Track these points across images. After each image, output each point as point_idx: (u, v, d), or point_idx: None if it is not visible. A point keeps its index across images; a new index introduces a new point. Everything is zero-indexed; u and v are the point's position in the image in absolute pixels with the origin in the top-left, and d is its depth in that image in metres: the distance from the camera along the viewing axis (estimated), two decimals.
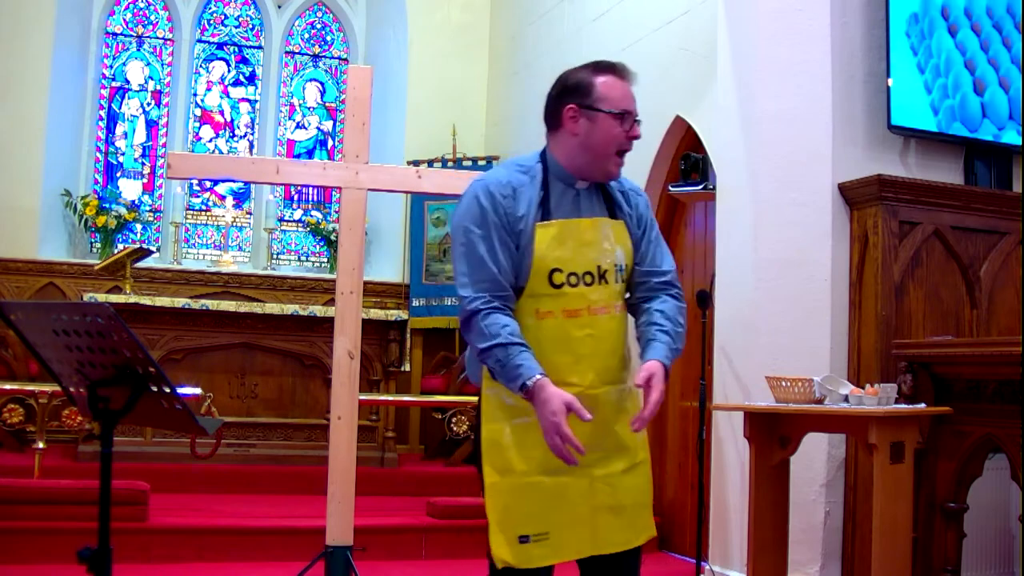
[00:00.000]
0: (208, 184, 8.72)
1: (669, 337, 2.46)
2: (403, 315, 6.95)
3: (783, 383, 4.04)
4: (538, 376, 2.24)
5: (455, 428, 7.22)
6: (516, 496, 2.36)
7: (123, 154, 8.58)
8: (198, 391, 5.88)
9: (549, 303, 2.37)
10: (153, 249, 7.60)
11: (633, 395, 2.48)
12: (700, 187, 5.38)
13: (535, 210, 2.40)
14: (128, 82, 8.63)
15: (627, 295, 2.53)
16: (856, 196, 4.67)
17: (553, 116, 2.50)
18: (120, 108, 8.60)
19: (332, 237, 8.50)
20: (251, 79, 8.98)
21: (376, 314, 6.75)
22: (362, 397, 4.69)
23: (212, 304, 6.62)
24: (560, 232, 2.38)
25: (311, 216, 8.84)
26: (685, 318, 2.54)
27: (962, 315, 4.73)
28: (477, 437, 2.48)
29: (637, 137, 2.46)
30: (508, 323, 2.31)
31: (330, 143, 9.03)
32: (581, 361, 2.38)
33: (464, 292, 2.36)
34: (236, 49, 8.97)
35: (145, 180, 8.62)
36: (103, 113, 8.54)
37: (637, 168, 5.92)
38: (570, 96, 2.44)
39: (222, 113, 8.89)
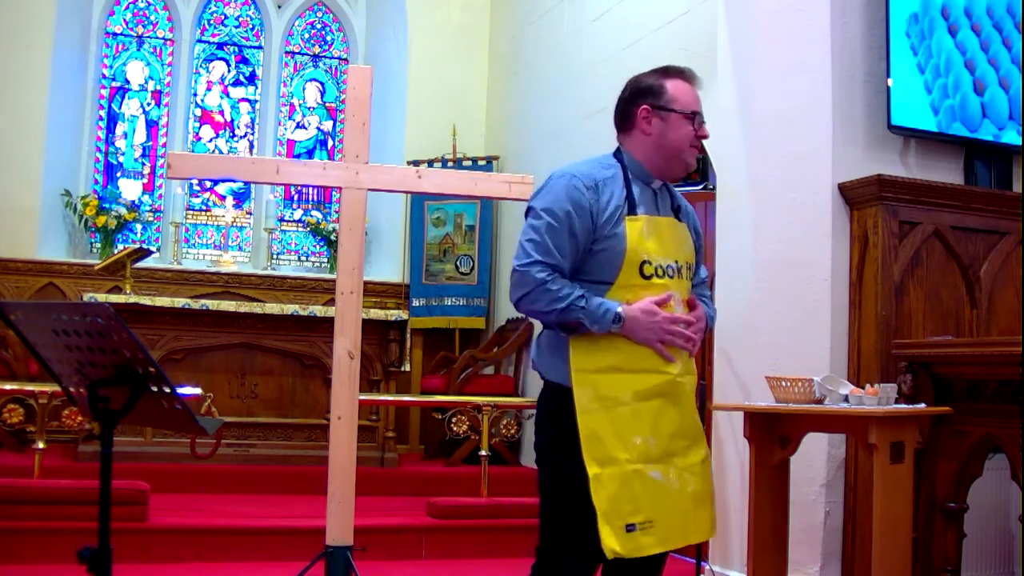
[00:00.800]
0: (208, 184, 8.72)
1: (710, 311, 2.66)
2: (403, 315, 6.95)
3: (783, 383, 4.04)
4: (619, 307, 2.41)
5: (455, 428, 7.22)
6: (621, 485, 2.42)
7: (123, 154, 8.58)
8: (198, 391, 5.88)
9: (640, 293, 2.47)
10: (153, 249, 7.60)
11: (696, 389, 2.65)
12: (700, 187, 5.38)
13: (622, 204, 2.50)
14: (128, 82, 8.63)
15: None
16: (856, 196, 4.67)
17: (625, 117, 2.62)
18: (120, 108, 8.60)
19: (332, 237, 8.50)
20: (251, 79, 8.98)
21: (376, 314, 6.75)
22: (362, 397, 4.68)
23: (212, 304, 6.62)
24: (647, 226, 2.49)
25: (311, 216, 8.84)
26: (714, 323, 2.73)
27: (962, 315, 4.73)
28: (550, 432, 2.54)
29: (706, 136, 2.61)
30: (571, 284, 2.44)
31: (330, 143, 9.03)
32: (672, 350, 2.49)
33: (526, 266, 2.45)
34: (236, 49, 8.97)
35: (145, 180, 8.62)
36: (103, 113, 8.54)
37: None
38: (643, 98, 2.58)
39: (222, 113, 8.90)
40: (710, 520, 2.59)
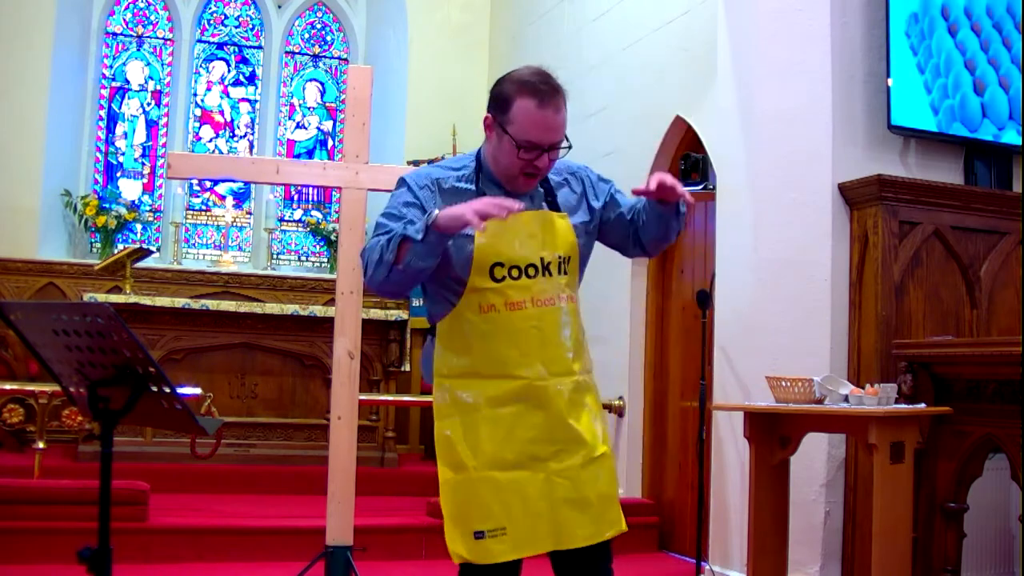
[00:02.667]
0: (208, 184, 8.72)
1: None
2: (403, 315, 6.94)
3: (783, 383, 4.04)
4: (430, 216, 2.23)
5: None
6: (469, 492, 2.37)
7: (123, 154, 8.58)
8: (198, 391, 5.88)
9: (492, 297, 2.37)
10: (153, 249, 7.60)
11: (591, 388, 2.49)
12: (700, 187, 5.37)
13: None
14: (128, 82, 8.63)
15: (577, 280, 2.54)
16: (856, 196, 4.67)
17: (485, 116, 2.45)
18: (120, 108, 8.60)
19: (332, 237, 8.49)
20: (251, 79, 8.98)
21: (376, 314, 6.75)
22: (362, 397, 4.68)
23: (212, 304, 6.62)
24: (500, 226, 2.33)
25: (311, 216, 8.84)
26: None
27: (962, 315, 4.73)
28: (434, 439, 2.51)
29: (539, 169, 2.38)
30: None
31: (330, 143, 9.02)
32: (528, 354, 2.37)
33: (366, 247, 2.36)
34: (236, 49, 8.97)
35: (145, 180, 8.62)
36: (103, 113, 8.54)
37: (637, 168, 5.92)
38: (492, 104, 2.41)
39: (222, 113, 8.89)
40: (601, 521, 2.41)
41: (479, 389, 2.38)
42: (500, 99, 2.38)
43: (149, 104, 8.68)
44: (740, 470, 4.70)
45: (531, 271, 2.39)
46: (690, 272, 5.83)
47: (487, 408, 2.37)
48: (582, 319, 2.53)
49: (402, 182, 2.45)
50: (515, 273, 2.37)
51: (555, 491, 2.37)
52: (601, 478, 2.42)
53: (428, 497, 5.74)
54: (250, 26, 9.02)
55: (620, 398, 6.04)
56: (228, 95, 8.92)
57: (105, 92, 8.56)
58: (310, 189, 8.87)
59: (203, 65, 8.88)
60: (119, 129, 8.58)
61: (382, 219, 2.39)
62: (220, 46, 8.93)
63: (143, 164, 8.62)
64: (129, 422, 2.26)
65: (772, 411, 4.08)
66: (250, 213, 8.83)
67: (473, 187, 2.43)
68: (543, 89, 2.34)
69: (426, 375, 2.54)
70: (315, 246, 8.89)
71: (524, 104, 2.33)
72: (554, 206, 2.48)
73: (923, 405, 4.06)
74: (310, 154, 8.94)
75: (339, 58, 9.18)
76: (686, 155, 5.46)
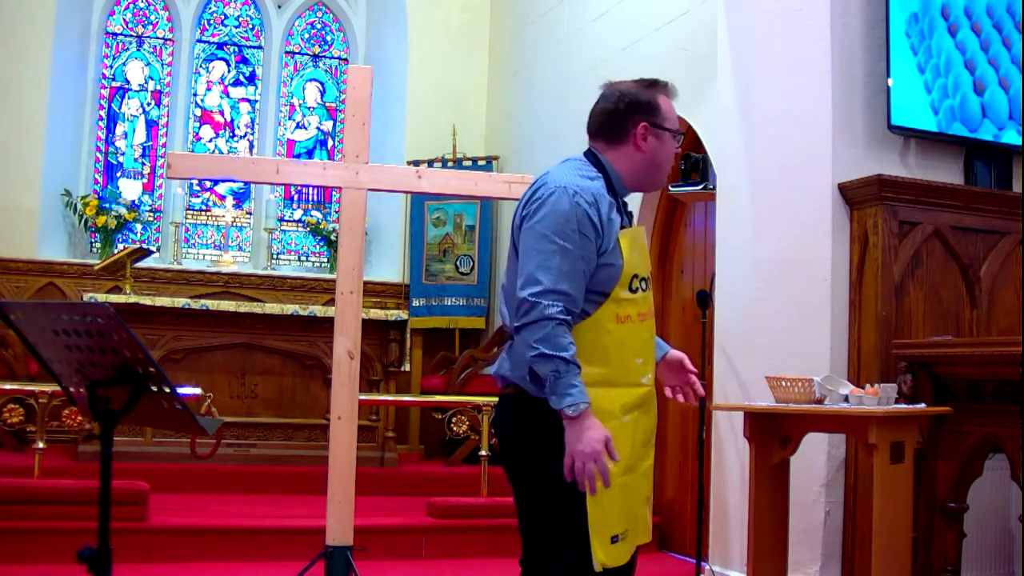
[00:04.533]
0: (208, 184, 8.71)
1: None
2: (403, 315, 6.94)
3: (783, 383, 4.04)
4: (586, 404, 2.30)
5: (455, 428, 7.22)
6: (610, 499, 2.41)
7: (123, 154, 8.58)
8: (198, 391, 5.88)
9: (629, 307, 2.45)
10: (153, 249, 7.60)
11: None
12: (700, 187, 5.38)
13: (615, 218, 2.46)
14: (128, 82, 8.63)
15: None
16: (856, 196, 4.67)
17: (619, 130, 2.53)
18: (120, 108, 8.60)
19: (332, 237, 8.49)
20: (251, 79, 8.98)
21: (376, 314, 6.75)
22: (362, 397, 4.68)
23: (212, 304, 6.62)
24: (633, 239, 2.47)
25: (311, 216, 8.84)
26: None
27: (962, 315, 4.73)
28: (522, 441, 2.48)
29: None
30: (573, 343, 2.33)
31: (330, 143, 9.02)
32: (647, 362, 2.52)
33: (542, 291, 2.32)
34: (236, 49, 8.97)
35: (145, 180, 8.62)
36: (103, 113, 8.54)
37: None
38: (641, 114, 2.52)
39: (222, 113, 8.89)
40: (650, 522, 2.61)
41: (616, 397, 2.43)
42: (648, 106, 2.52)
43: (149, 104, 8.68)
44: (740, 470, 4.70)
45: (645, 284, 2.52)
46: (690, 272, 5.83)
47: (621, 415, 2.44)
48: None
49: (575, 210, 2.37)
50: (645, 285, 2.50)
51: (644, 490, 2.54)
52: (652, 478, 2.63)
53: (428, 497, 5.75)
54: (250, 26, 9.02)
55: None
56: (228, 95, 8.92)
57: (105, 92, 8.56)
58: (310, 189, 8.87)
59: (203, 65, 8.87)
60: (119, 129, 8.57)
61: (554, 241, 2.34)
62: (220, 46, 8.93)
63: (143, 164, 8.62)
64: (129, 422, 2.26)
65: (772, 411, 4.08)
66: (250, 213, 8.83)
67: (618, 218, 2.48)
68: (666, 83, 2.58)
69: (512, 374, 2.49)
70: (315, 246, 8.88)
71: (665, 100, 2.55)
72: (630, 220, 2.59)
73: (923, 405, 4.06)
74: (310, 154, 8.94)
75: (339, 58, 9.18)
76: (686, 155, 5.46)
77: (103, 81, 8.56)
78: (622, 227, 2.46)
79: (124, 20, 8.68)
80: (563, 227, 2.35)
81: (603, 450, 2.29)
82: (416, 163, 7.72)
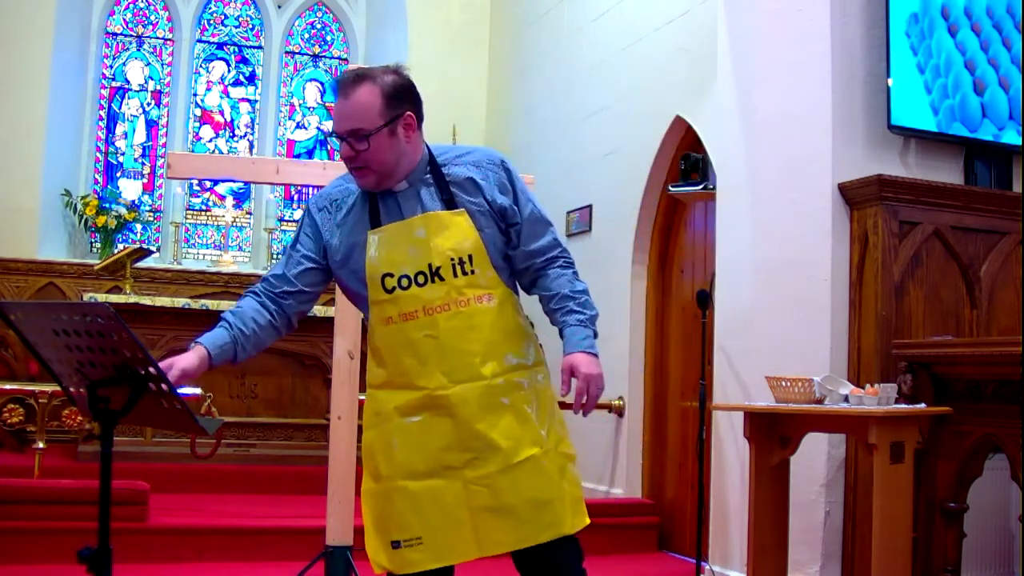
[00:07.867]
0: (208, 184, 8.72)
1: (576, 313, 2.42)
2: None
3: (783, 383, 4.04)
4: (195, 343, 2.36)
5: None
6: (385, 501, 2.38)
7: (123, 154, 8.58)
8: (198, 391, 5.88)
9: (389, 308, 2.37)
10: (153, 249, 7.60)
11: (517, 387, 2.38)
12: (700, 187, 5.38)
13: (364, 219, 2.40)
14: (128, 82, 8.63)
15: (514, 282, 2.49)
16: (856, 196, 4.66)
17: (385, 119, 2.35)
18: (120, 108, 8.61)
19: None
20: (251, 79, 8.99)
21: None
22: (362, 397, 4.67)
23: (212, 304, 6.61)
24: (389, 236, 2.36)
25: None
26: (579, 279, 2.50)
27: (962, 315, 4.72)
28: None
29: (345, 157, 2.41)
30: (243, 305, 2.52)
31: (330, 143, 9.03)
32: (426, 363, 2.34)
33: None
34: (236, 49, 8.98)
35: (145, 180, 8.62)
36: (103, 113, 8.55)
37: (637, 168, 5.93)
38: (412, 104, 2.39)
39: (222, 113, 8.90)
40: (532, 525, 2.34)
41: (391, 399, 2.39)
42: (418, 97, 2.43)
43: (149, 104, 8.68)
44: (740, 470, 4.70)
45: (420, 279, 2.35)
46: (690, 272, 5.83)
47: (398, 418, 2.37)
48: (520, 313, 2.47)
49: (304, 213, 2.58)
50: (404, 283, 2.35)
51: (474, 499, 2.33)
52: (525, 483, 2.34)
53: None
54: (250, 26, 9.02)
55: (620, 398, 6.04)
56: (228, 95, 8.92)
57: (105, 92, 8.56)
58: (310, 189, 8.87)
59: (203, 65, 8.88)
60: (119, 129, 8.58)
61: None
62: (220, 46, 8.94)
63: (143, 164, 8.62)
64: (129, 422, 2.26)
65: (772, 411, 4.08)
66: (250, 213, 8.84)
67: (365, 198, 2.47)
68: (342, 79, 2.38)
69: None
70: None
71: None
72: (451, 204, 2.40)
73: (923, 405, 4.06)
74: (310, 154, 8.95)
75: (339, 58, 9.18)
76: (686, 155, 5.46)
77: (103, 81, 8.56)
78: (373, 227, 2.38)
79: (124, 20, 8.69)
80: (299, 226, 2.56)
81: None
82: None
